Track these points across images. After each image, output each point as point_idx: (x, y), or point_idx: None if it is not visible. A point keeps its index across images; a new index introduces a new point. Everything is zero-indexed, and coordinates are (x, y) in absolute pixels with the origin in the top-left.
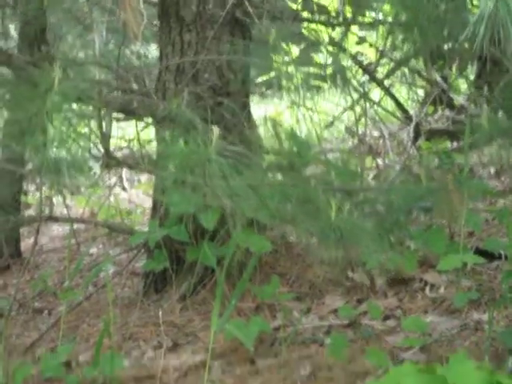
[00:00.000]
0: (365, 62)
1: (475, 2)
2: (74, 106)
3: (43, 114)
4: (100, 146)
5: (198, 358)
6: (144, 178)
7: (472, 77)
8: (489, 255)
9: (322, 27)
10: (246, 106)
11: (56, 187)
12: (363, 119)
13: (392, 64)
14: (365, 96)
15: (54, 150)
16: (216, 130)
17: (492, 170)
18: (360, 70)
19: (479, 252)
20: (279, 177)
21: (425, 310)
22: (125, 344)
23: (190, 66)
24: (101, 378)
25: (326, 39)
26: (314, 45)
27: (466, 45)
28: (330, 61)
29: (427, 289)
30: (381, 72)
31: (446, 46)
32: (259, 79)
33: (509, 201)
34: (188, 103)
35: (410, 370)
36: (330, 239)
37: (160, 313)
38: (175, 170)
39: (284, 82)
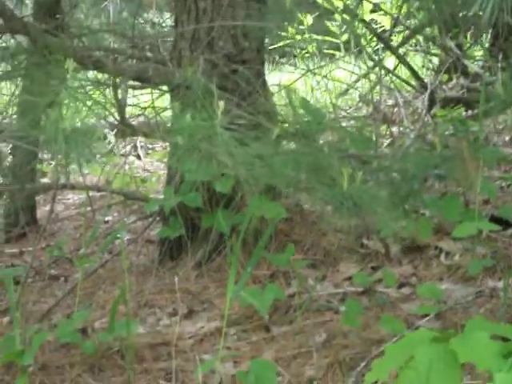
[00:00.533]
0: (379, 30)
1: None
2: (90, 74)
3: (59, 82)
4: (115, 114)
5: (214, 325)
6: (158, 146)
7: (487, 44)
8: (504, 222)
9: None
10: (260, 74)
11: (71, 156)
12: (378, 87)
13: (407, 32)
14: (379, 64)
15: (70, 118)
16: (221, 103)
17: (507, 138)
18: (374, 38)
19: (494, 219)
20: (293, 145)
21: (440, 278)
22: (140, 311)
23: (205, 33)
24: (116, 344)
25: (341, 7)
26: (328, 13)
27: (481, 12)
28: (344, 29)
29: (442, 256)
30: (395, 40)
31: (460, 14)
32: (274, 46)
33: None
34: (203, 71)
35: (423, 337)
36: (343, 207)
37: (176, 280)
38: (184, 142)
39: (298, 50)
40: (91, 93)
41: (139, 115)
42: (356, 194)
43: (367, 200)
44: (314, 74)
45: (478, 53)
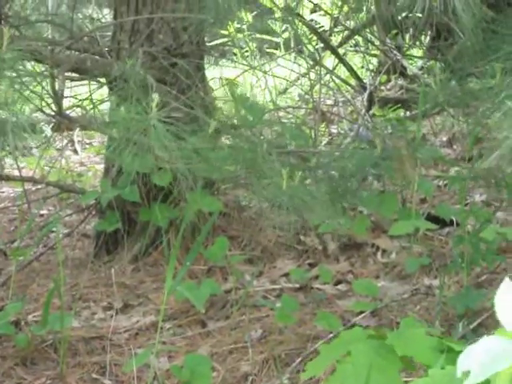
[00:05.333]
0: (320, 30)
1: None
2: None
3: None
4: (52, 106)
5: (149, 319)
6: (96, 141)
7: (425, 46)
8: (440, 221)
9: None
10: (200, 68)
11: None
12: (317, 86)
13: (346, 32)
14: (319, 63)
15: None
16: (156, 96)
17: (444, 138)
18: (315, 38)
19: (431, 218)
20: (231, 140)
21: (376, 275)
22: (75, 305)
23: (145, 26)
24: (50, 338)
25: (281, 6)
26: (269, 11)
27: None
28: (284, 28)
29: (379, 254)
30: (335, 40)
31: (399, 15)
32: (214, 43)
33: (460, 168)
34: (142, 63)
35: (358, 335)
36: (281, 204)
37: (112, 273)
38: (120, 135)
39: (238, 48)
40: (28, 84)
41: (76, 106)
42: (294, 191)
43: (305, 197)
44: (255, 68)
45: (417, 54)
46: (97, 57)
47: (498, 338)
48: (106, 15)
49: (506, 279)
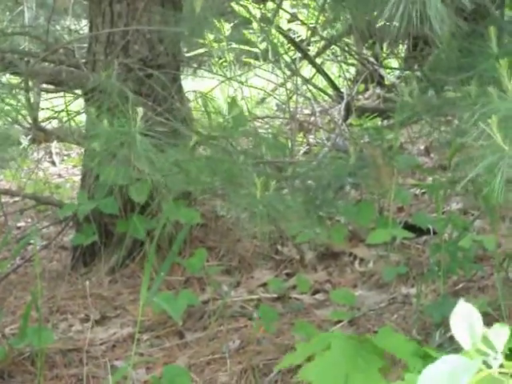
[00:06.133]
0: (297, 40)
1: None
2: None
3: None
4: (28, 118)
5: (126, 331)
6: (73, 153)
7: (403, 55)
8: (417, 230)
9: (253, 4)
10: (176, 79)
11: None
12: (294, 96)
13: (323, 42)
14: (296, 73)
15: None
16: (140, 110)
17: (422, 147)
18: (292, 47)
19: (408, 227)
20: (208, 151)
21: (354, 284)
22: (52, 317)
23: (121, 37)
24: (27, 350)
25: (258, 16)
26: (246, 22)
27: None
28: (261, 38)
29: (356, 263)
30: (313, 50)
31: (376, 25)
32: (191, 54)
33: (438, 177)
34: (118, 75)
35: (339, 335)
36: (258, 214)
37: (88, 285)
38: (101, 148)
39: (216, 59)
40: (3, 96)
41: (53, 118)
42: (271, 200)
43: (282, 207)
44: (231, 79)
45: (394, 63)
46: (72, 68)
47: (456, 357)
48: (84, 26)
49: (461, 301)
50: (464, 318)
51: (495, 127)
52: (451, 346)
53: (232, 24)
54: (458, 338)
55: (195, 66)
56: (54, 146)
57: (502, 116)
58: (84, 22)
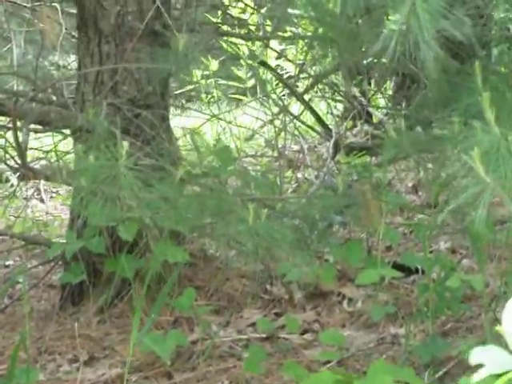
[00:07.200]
0: (285, 76)
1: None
2: None
3: None
4: (16, 158)
5: (115, 371)
6: (62, 190)
7: (390, 92)
8: (406, 269)
9: (241, 41)
10: (165, 119)
11: None
12: (283, 133)
13: (311, 79)
14: (284, 110)
15: None
16: (125, 144)
17: (410, 185)
18: (280, 84)
19: (396, 266)
20: (197, 189)
21: (342, 324)
22: (40, 357)
23: (109, 77)
24: None
25: (246, 52)
26: (234, 58)
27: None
28: (249, 74)
29: (345, 303)
30: (301, 86)
31: (364, 62)
32: (179, 91)
33: (425, 215)
34: (106, 115)
35: (326, 379)
36: (249, 244)
37: (76, 326)
38: (88, 184)
39: (204, 95)
40: None
41: (41, 158)
42: (262, 228)
43: (273, 238)
44: (220, 119)
45: (382, 100)
46: (61, 108)
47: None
48: (73, 62)
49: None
50: None
51: (478, 159)
52: None
53: (219, 60)
54: (507, 335)
55: (183, 102)
56: (43, 183)
57: (485, 149)
58: (72, 58)
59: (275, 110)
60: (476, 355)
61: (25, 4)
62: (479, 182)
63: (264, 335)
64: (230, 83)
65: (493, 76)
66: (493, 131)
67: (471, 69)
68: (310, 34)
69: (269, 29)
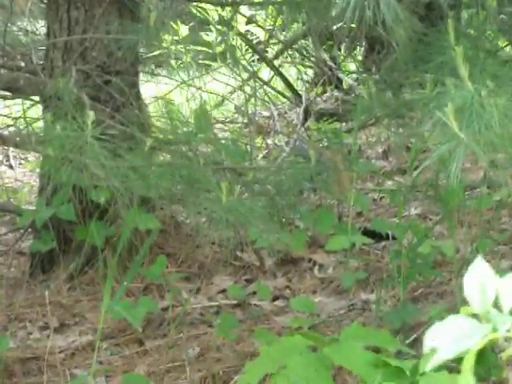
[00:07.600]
0: (255, 42)
1: None
2: None
3: None
4: None
5: (85, 339)
6: (31, 156)
7: (360, 57)
8: (376, 235)
9: (210, 6)
10: (134, 85)
11: None
12: (253, 99)
13: (281, 44)
14: (254, 76)
15: None
16: (92, 114)
17: (380, 150)
18: (250, 50)
19: (367, 232)
20: (168, 157)
21: (313, 291)
22: (10, 325)
23: (78, 43)
24: None
25: (216, 18)
26: (203, 24)
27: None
28: (219, 40)
29: (316, 269)
30: (270, 52)
31: (334, 27)
32: (148, 55)
33: (396, 181)
34: (76, 82)
35: (298, 343)
36: (220, 219)
37: (46, 293)
38: (55, 153)
39: (173, 61)
40: None
41: (10, 125)
42: (231, 205)
43: (243, 212)
44: (189, 85)
45: (353, 65)
46: (30, 75)
47: (463, 318)
48: (42, 27)
49: (478, 258)
50: (477, 279)
51: (452, 115)
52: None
53: (190, 26)
54: (468, 299)
55: (153, 67)
56: (12, 149)
57: (458, 105)
58: (42, 23)
59: (245, 75)
60: (430, 337)
61: None
62: (453, 137)
63: (235, 302)
64: (200, 49)
65: (463, 38)
66: (466, 87)
67: (443, 28)
68: None
69: None
